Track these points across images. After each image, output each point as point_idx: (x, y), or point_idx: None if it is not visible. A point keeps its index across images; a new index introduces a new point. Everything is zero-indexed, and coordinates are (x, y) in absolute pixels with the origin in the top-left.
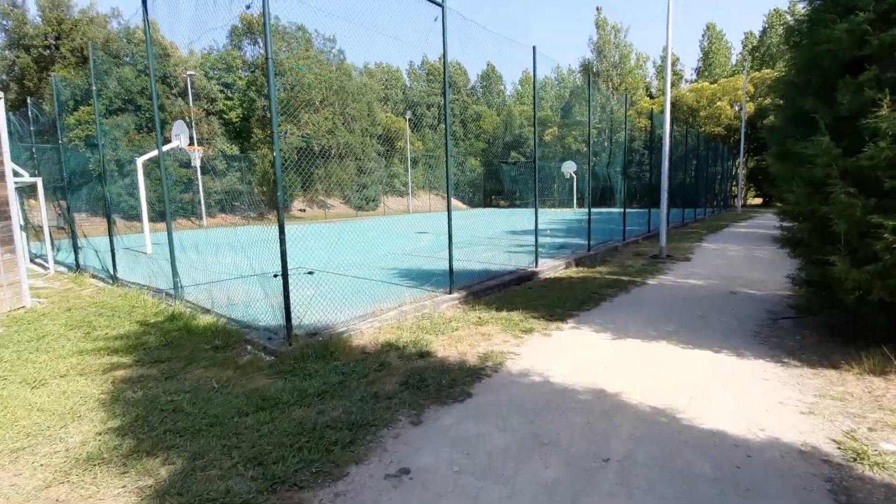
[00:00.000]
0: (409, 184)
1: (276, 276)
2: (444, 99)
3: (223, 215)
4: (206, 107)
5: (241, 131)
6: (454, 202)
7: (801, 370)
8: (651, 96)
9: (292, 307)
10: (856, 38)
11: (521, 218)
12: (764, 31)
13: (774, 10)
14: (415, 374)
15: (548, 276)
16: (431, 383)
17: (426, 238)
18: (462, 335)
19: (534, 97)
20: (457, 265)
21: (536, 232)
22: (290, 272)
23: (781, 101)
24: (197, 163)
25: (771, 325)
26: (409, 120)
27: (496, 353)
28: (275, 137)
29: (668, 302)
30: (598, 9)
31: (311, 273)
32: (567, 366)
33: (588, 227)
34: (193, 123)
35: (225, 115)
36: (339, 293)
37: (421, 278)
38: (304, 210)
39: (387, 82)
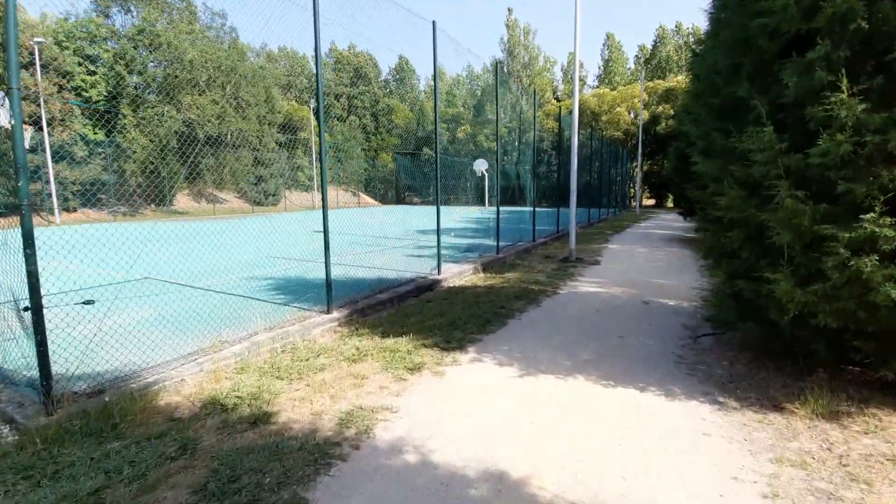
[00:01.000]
0: (315, 178)
1: (26, 309)
2: (317, 67)
3: (87, 210)
4: (58, 81)
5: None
6: (364, 198)
7: (743, 415)
8: (558, 99)
9: (81, 346)
10: (803, 7)
11: (432, 216)
12: (655, 46)
13: (661, 26)
14: (227, 466)
15: (452, 285)
16: (247, 485)
17: (321, 238)
18: (327, 379)
19: (434, 81)
20: (347, 273)
21: (439, 235)
22: (96, 295)
23: (698, 91)
24: (26, 144)
25: (692, 346)
26: (315, 109)
27: (365, 411)
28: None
29: (582, 317)
30: (509, 9)
31: (88, 303)
32: (459, 429)
33: (497, 229)
34: (42, 101)
35: (85, 92)
36: (173, 318)
37: (297, 291)
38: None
39: (291, 69)
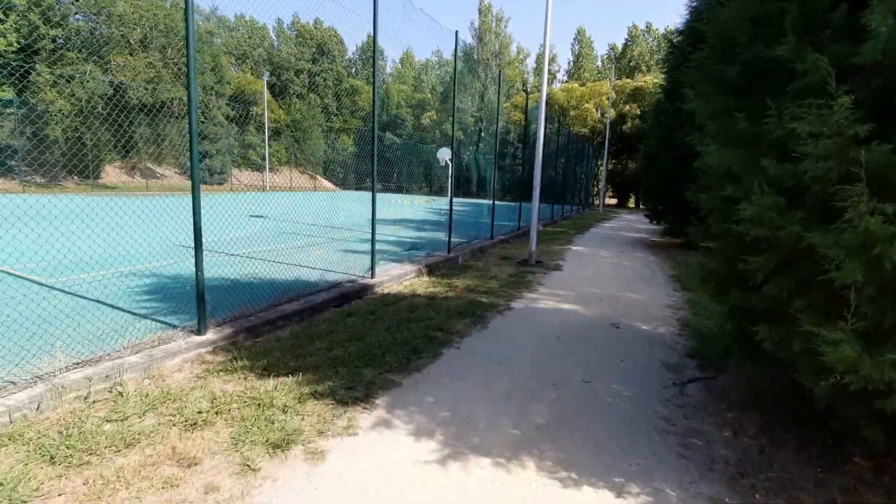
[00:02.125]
0: (267, 157)
1: None
2: None
3: None
4: None
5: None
6: (322, 182)
7: None
8: (527, 92)
9: None
10: None
11: (391, 205)
12: (626, 44)
13: (633, 25)
14: None
15: (386, 292)
16: None
17: (257, 224)
18: (128, 466)
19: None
20: (259, 271)
21: (374, 228)
22: None
23: (705, 59)
24: None
25: (678, 397)
26: (274, 86)
27: None
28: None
29: (538, 346)
30: None
31: None
32: None
33: (449, 224)
34: None
35: None
36: None
37: (180, 299)
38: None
39: (249, 39)
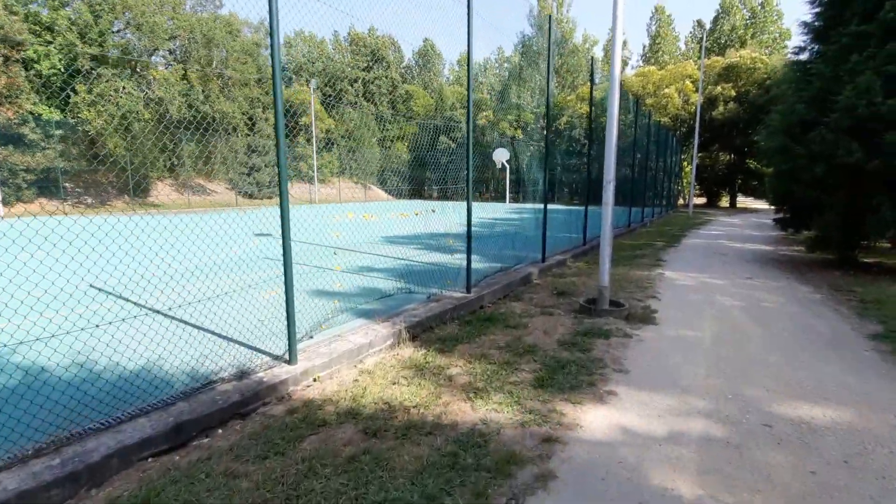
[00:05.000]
0: (315, 168)
1: None
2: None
3: (43, 200)
4: (5, 52)
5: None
6: (376, 192)
7: None
8: (593, 81)
9: None
10: None
11: (446, 213)
12: (716, 17)
13: None
14: None
15: (306, 399)
16: None
17: (256, 243)
18: None
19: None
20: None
21: (288, 268)
22: None
23: None
24: None
25: None
26: (329, 97)
27: None
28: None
29: None
30: None
31: None
32: None
33: (468, 246)
34: None
35: (36, 65)
36: None
37: None
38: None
39: (307, 54)
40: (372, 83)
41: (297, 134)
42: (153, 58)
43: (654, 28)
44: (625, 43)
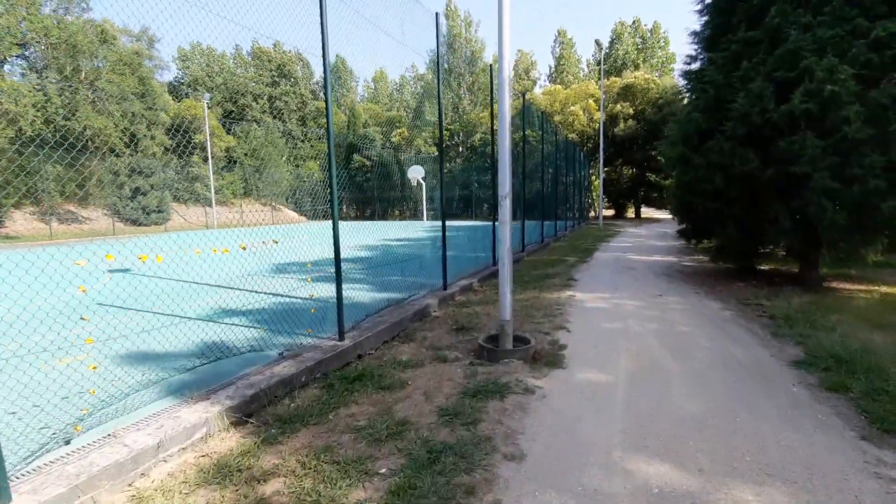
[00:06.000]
0: (213, 189)
1: None
2: None
3: None
4: None
5: None
6: (287, 213)
7: None
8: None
9: None
10: None
11: (366, 234)
12: (612, 42)
13: (620, 21)
14: None
15: None
16: None
17: (105, 282)
18: None
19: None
20: None
21: None
22: None
23: None
24: None
25: None
26: (230, 113)
27: None
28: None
29: None
30: None
31: None
32: None
33: (337, 284)
34: None
35: None
36: None
37: None
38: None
39: (207, 67)
40: (279, 99)
41: (192, 153)
42: (5, 67)
43: (558, 50)
44: (533, 63)
